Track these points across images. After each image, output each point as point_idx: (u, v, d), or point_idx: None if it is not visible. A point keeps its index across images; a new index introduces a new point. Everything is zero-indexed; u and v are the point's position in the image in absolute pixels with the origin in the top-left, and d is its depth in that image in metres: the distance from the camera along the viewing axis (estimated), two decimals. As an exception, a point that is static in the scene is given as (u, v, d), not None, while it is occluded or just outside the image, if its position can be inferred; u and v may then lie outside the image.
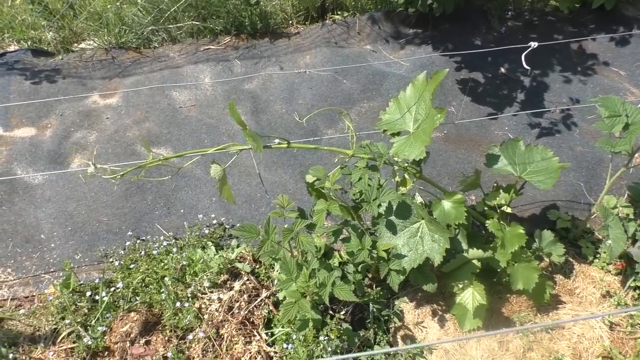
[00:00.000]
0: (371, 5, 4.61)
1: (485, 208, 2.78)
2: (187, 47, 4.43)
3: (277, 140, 2.59)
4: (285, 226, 2.39)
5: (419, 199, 2.65)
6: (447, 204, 2.48)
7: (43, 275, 2.99)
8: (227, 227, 3.19)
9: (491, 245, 2.70)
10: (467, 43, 4.31)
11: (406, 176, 2.61)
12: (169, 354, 2.55)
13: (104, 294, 2.74)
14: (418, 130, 2.37)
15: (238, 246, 3.08)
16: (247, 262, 2.94)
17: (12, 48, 4.47)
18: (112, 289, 2.79)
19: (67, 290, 2.72)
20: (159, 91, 4.04)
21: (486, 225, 2.65)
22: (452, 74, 4.06)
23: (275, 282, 2.83)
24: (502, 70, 4.10)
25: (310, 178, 2.68)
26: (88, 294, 2.74)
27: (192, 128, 3.78)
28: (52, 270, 3.00)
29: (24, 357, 2.57)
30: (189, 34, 4.47)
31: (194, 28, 4.43)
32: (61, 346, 2.59)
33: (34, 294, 2.91)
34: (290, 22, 4.56)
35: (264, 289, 2.85)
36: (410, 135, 2.40)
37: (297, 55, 4.30)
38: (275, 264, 2.94)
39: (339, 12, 4.55)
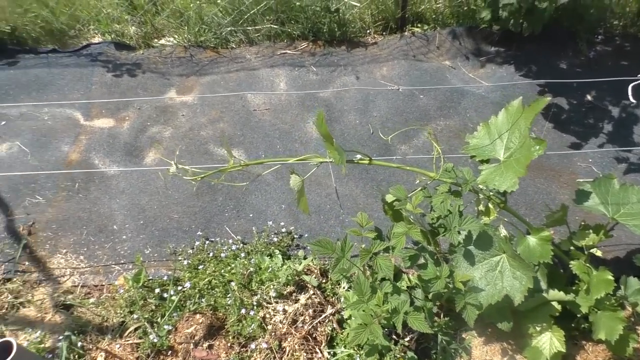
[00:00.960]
0: (453, 19, 4.50)
1: (571, 247, 2.63)
2: (264, 50, 4.45)
3: (358, 156, 2.54)
4: (363, 246, 2.33)
5: (503, 231, 2.54)
6: (532, 240, 2.35)
7: (113, 265, 3.05)
8: (296, 236, 3.17)
9: (573, 287, 2.56)
10: (552, 66, 4.12)
11: (490, 206, 2.51)
12: (232, 362, 2.55)
13: (172, 292, 2.76)
14: (510, 160, 2.26)
15: (305, 258, 3.05)
16: (314, 276, 2.90)
17: (96, 40, 4.62)
18: (180, 287, 2.81)
19: (137, 285, 2.76)
20: (235, 92, 4.07)
21: (570, 266, 2.51)
22: (534, 98, 3.89)
23: (342, 299, 2.78)
24: (589, 97, 3.90)
25: (389, 198, 2.61)
26: (157, 290, 2.77)
27: (265, 132, 3.78)
28: (122, 262, 3.06)
29: (91, 347, 2.62)
30: (266, 37, 4.48)
31: (272, 31, 4.44)
32: (127, 340, 2.62)
33: (104, 283, 2.97)
34: (368, 31, 4.50)
35: (329, 305, 2.81)
36: (500, 164, 2.29)
37: (373, 65, 4.24)
38: (342, 281, 2.89)
39: (419, 25, 4.46)
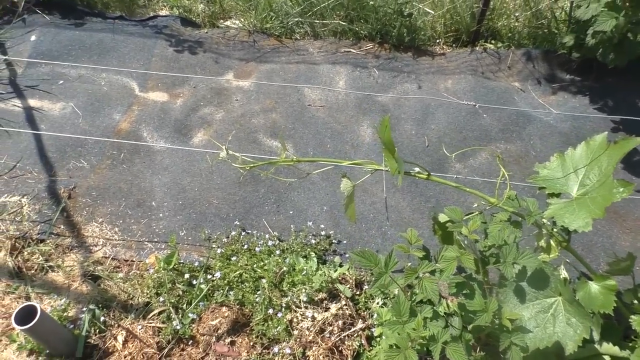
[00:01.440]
0: (529, 40, 4.27)
1: (634, 301, 2.40)
2: (327, 45, 4.33)
3: (417, 169, 2.38)
4: (409, 264, 2.18)
5: (563, 273, 2.33)
6: (595, 287, 2.14)
7: (146, 242, 2.98)
8: (334, 241, 3.03)
9: (629, 344, 2.33)
10: (630, 103, 3.85)
11: (552, 243, 2.31)
12: (252, 363, 2.43)
13: (202, 280, 2.67)
14: (585, 198, 2.06)
15: (341, 265, 2.91)
16: (348, 286, 2.76)
17: (163, 12, 4.61)
18: (210, 276, 2.71)
19: (167, 267, 2.68)
20: (292, 84, 3.96)
21: (630, 320, 2.28)
22: (610, 135, 3.63)
23: (374, 315, 2.63)
24: (667, 142, 3.61)
25: (443, 217, 2.45)
26: (186, 276, 2.68)
27: (317, 129, 3.66)
28: (156, 240, 2.99)
29: (113, 323, 2.55)
30: (332, 32, 4.36)
31: (339, 28, 4.32)
32: (150, 322, 2.54)
33: (134, 259, 2.90)
34: (438, 41, 4.32)
35: (360, 320, 2.66)
36: (572, 200, 2.09)
37: (438, 77, 4.06)
38: (377, 296, 2.74)
39: (493, 41, 4.25)
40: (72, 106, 3.71)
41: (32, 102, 3.73)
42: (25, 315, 2.14)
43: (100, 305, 2.58)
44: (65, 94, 3.80)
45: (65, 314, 2.56)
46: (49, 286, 2.71)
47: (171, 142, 3.53)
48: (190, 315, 2.54)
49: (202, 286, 2.63)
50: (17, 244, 2.86)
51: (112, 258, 2.90)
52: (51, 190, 3.14)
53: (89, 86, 3.88)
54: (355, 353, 2.54)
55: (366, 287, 2.79)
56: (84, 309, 2.53)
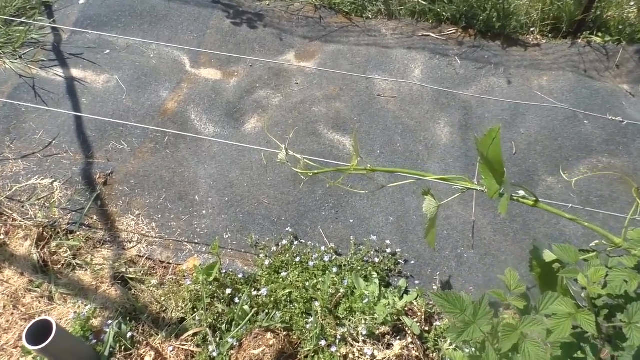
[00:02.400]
0: (644, 35, 3.61)
1: None
2: (403, 27, 3.81)
3: (521, 192, 1.90)
4: (508, 318, 1.71)
5: None
6: None
7: (185, 243, 2.62)
8: (400, 261, 2.58)
9: None
10: None
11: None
12: (298, 408, 2.04)
13: (245, 298, 2.27)
14: None
15: (407, 291, 2.47)
16: (416, 319, 2.31)
17: (222, -20, 4.18)
18: (255, 292, 2.32)
19: (208, 279, 2.29)
20: (361, 70, 3.48)
21: None
22: None
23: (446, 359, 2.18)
24: None
25: (548, 256, 1.95)
26: (228, 291, 2.29)
27: (386, 124, 3.18)
28: (197, 241, 2.62)
29: (141, 340, 2.20)
30: (409, 12, 3.83)
31: (418, 8, 3.78)
32: (183, 345, 2.18)
33: (171, 261, 2.55)
34: (532, 29, 3.72)
35: (428, 363, 2.22)
36: None
37: (531, 72, 3.48)
38: (450, 338, 2.28)
39: (599, 34, 3.61)
40: (117, 79, 3.36)
41: (75, 72, 3.40)
42: (41, 331, 1.81)
43: (128, 317, 2.24)
44: (111, 66, 3.45)
45: (90, 322, 2.23)
46: (74, 286, 2.39)
47: (221, 127, 3.14)
48: (229, 340, 2.16)
49: (246, 307, 2.24)
50: (45, 233, 2.55)
51: (146, 258, 2.55)
52: (86, 175, 2.81)
53: (137, 58, 3.52)
54: (420, 405, 2.11)
55: (437, 323, 2.33)
56: (109, 321, 2.19)
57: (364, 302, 2.28)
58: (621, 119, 2.93)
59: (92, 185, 2.77)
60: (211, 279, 2.29)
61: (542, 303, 1.76)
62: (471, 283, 2.52)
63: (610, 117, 2.88)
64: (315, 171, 1.89)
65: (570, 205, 1.96)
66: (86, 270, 2.45)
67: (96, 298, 2.35)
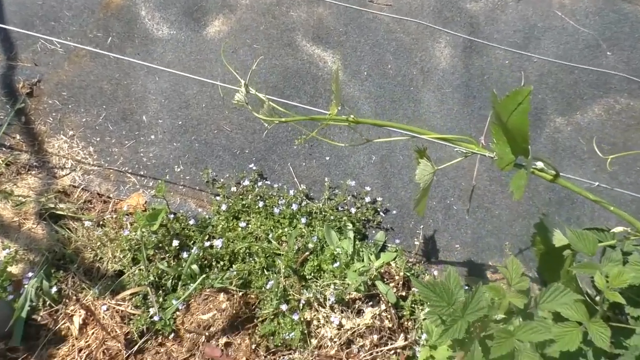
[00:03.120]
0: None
1: None
2: None
3: (539, 164, 1.54)
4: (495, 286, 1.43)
5: None
6: None
7: (129, 174, 2.20)
8: (380, 210, 2.24)
9: None
10: None
11: None
12: (250, 377, 1.79)
13: (195, 250, 1.92)
14: None
15: (385, 245, 2.15)
16: (393, 284, 2.02)
17: None
18: (207, 243, 1.97)
19: (150, 229, 1.91)
20: (351, -34, 2.88)
21: None
22: None
23: (423, 336, 1.92)
24: None
25: (559, 240, 1.63)
26: (175, 243, 1.93)
27: (377, 39, 2.67)
28: (142, 173, 2.21)
29: (70, 294, 1.86)
30: None
31: None
32: (120, 305, 1.85)
33: (111, 195, 2.15)
34: None
35: (401, 334, 1.96)
36: None
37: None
38: (426, 304, 2.02)
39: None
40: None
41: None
42: None
43: (56, 266, 1.89)
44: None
45: (8, 269, 1.87)
46: (-10, 223, 2.00)
47: (177, 28, 2.59)
48: (173, 302, 1.84)
49: (194, 267, 1.89)
50: (-47, 153, 2.10)
51: (82, 189, 2.15)
52: (6, 82, 2.29)
53: None
54: (389, 380, 1.89)
55: (415, 289, 2.05)
56: (30, 272, 1.82)
57: (335, 265, 1.96)
58: None
59: (13, 96, 2.26)
60: (154, 228, 1.91)
61: (545, 295, 1.47)
62: (457, 240, 2.22)
63: (583, 29, 2.44)
64: (283, 119, 1.48)
65: (597, 184, 1.60)
66: (6, 203, 2.03)
67: (18, 237, 1.97)
